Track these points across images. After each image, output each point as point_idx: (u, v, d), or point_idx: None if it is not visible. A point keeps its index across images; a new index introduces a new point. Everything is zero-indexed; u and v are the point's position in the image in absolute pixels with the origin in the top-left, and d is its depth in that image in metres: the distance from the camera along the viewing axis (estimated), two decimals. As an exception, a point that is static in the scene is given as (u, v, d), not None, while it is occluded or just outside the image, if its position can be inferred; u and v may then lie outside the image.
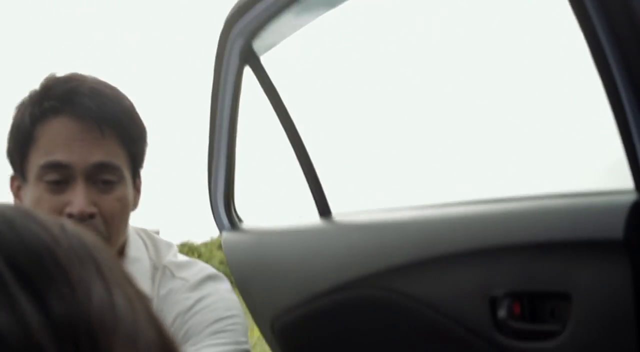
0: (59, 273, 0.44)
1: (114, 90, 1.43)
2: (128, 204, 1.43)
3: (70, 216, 1.34)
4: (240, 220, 2.00)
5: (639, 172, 1.25)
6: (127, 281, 0.51)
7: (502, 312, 1.43)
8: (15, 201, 1.46)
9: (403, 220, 1.66)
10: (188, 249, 15.40)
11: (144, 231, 1.53)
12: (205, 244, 14.31)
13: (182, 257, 1.50)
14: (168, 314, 1.38)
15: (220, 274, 1.47)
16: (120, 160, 1.40)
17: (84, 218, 1.34)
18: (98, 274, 0.47)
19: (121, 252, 1.45)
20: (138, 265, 1.43)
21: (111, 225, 1.38)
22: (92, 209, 1.35)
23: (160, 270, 1.44)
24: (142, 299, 0.51)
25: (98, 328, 0.44)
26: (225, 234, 1.97)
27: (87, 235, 0.50)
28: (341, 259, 1.58)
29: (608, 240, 1.28)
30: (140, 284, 1.43)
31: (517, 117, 1.84)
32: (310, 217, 1.87)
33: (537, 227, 1.40)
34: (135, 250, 1.46)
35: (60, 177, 1.36)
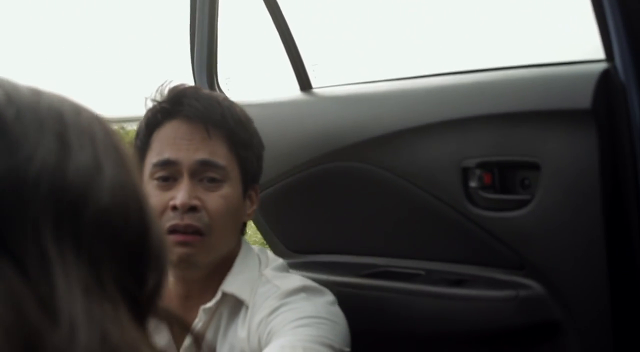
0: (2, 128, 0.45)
1: (224, 98, 1.51)
2: (234, 204, 1.44)
3: (174, 208, 1.38)
4: (222, 93, 2.00)
5: (610, 42, 1.25)
6: (113, 150, 0.51)
7: (473, 183, 1.47)
8: None
9: (380, 92, 1.68)
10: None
11: (263, 250, 1.54)
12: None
13: (286, 273, 1.48)
14: (255, 319, 1.38)
15: (324, 289, 1.42)
16: (226, 160, 1.44)
17: (186, 210, 1.38)
18: (57, 136, 0.47)
19: (231, 262, 1.46)
20: (243, 275, 1.45)
21: (215, 221, 1.40)
22: (195, 202, 1.39)
23: (261, 278, 1.45)
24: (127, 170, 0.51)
25: (30, 186, 0.44)
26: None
27: (66, 102, 0.50)
28: (320, 132, 1.60)
29: (576, 109, 1.30)
30: (244, 293, 1.39)
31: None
32: (291, 91, 1.88)
33: (507, 98, 1.41)
34: (244, 260, 1.47)
35: (168, 174, 1.42)
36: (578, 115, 1.30)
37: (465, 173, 1.47)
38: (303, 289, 1.40)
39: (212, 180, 1.42)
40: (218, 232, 1.41)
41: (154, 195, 1.42)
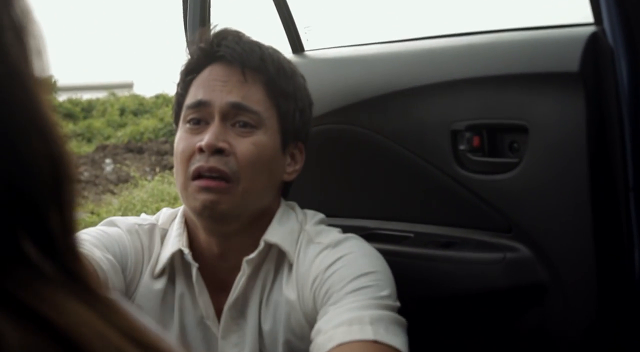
0: None
1: (270, 47, 1.44)
2: (267, 154, 1.37)
3: (200, 150, 1.33)
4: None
5: (598, 6, 1.25)
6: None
7: (462, 146, 1.48)
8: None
9: (371, 55, 1.68)
10: (163, 100, 15.41)
11: (296, 205, 1.48)
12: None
13: (325, 227, 1.45)
14: (308, 279, 1.34)
15: (358, 237, 1.42)
16: (261, 106, 1.37)
17: (212, 152, 1.32)
18: None
19: (270, 218, 1.41)
20: (284, 227, 1.40)
21: (244, 168, 1.33)
22: (223, 144, 1.33)
23: (303, 233, 1.41)
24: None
25: None
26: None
27: None
28: (312, 95, 1.60)
29: (565, 72, 1.30)
30: (286, 243, 1.36)
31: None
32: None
33: (497, 61, 1.42)
34: (283, 214, 1.42)
35: (199, 117, 1.37)
36: (566, 78, 1.30)
37: (455, 136, 1.49)
38: (346, 239, 1.38)
39: (245, 125, 1.35)
40: (246, 181, 1.34)
41: (184, 139, 1.37)
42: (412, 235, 1.61)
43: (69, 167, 0.44)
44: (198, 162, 1.32)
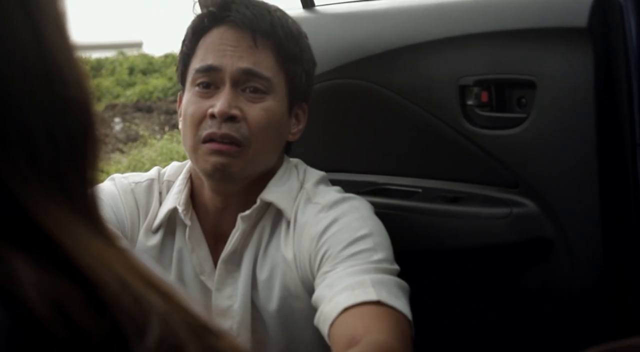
0: None
1: (277, 9, 1.45)
2: (276, 119, 1.39)
3: (212, 116, 1.34)
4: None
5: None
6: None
7: (470, 101, 1.48)
8: (178, 108, 1.48)
9: (380, 10, 1.68)
10: (172, 59, 15.34)
11: (300, 162, 1.49)
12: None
13: (325, 186, 1.45)
14: (305, 240, 1.36)
15: (357, 197, 1.43)
16: (271, 72, 1.39)
17: (224, 119, 1.34)
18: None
19: (272, 176, 1.42)
20: (283, 186, 1.41)
21: (255, 134, 1.35)
22: (235, 111, 1.35)
23: (302, 191, 1.42)
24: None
25: None
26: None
27: None
28: (321, 50, 1.60)
29: (573, 27, 1.30)
30: (283, 202, 1.37)
31: None
32: (294, 9, 1.88)
33: (505, 15, 1.42)
34: (284, 172, 1.44)
35: (210, 81, 1.38)
36: (574, 33, 1.30)
37: (463, 91, 1.49)
38: (343, 199, 1.39)
39: (255, 90, 1.37)
40: (257, 146, 1.37)
41: (193, 102, 1.38)
42: (420, 190, 1.62)
43: (96, 120, 0.46)
44: (210, 128, 1.34)
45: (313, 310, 1.29)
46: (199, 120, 1.36)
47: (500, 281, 1.55)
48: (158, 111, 11.30)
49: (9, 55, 0.41)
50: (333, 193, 1.42)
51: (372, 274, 1.26)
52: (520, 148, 1.43)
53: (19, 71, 0.42)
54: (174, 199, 1.44)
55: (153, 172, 1.52)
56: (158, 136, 9.82)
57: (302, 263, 1.36)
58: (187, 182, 1.45)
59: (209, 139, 1.35)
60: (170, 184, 1.48)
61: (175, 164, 1.52)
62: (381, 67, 1.60)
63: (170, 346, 0.40)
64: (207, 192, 1.43)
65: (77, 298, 0.39)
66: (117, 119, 11.06)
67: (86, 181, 0.45)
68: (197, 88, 1.39)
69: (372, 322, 1.19)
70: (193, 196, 1.45)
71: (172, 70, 14.48)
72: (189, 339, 0.41)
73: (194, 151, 1.37)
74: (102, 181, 1.49)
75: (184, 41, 1.45)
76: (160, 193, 1.49)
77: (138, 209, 1.47)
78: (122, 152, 9.38)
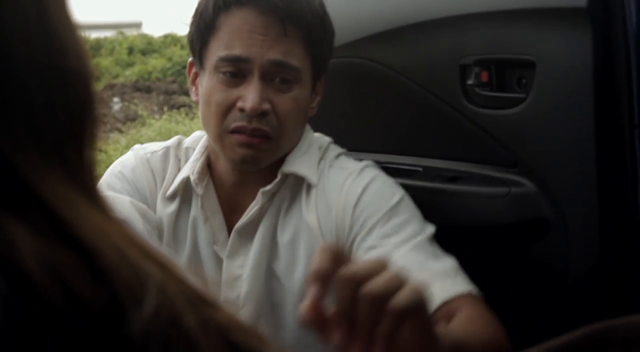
0: None
1: None
2: (304, 105, 1.38)
3: (241, 110, 1.31)
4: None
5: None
6: None
7: (470, 80, 1.49)
8: (190, 87, 1.44)
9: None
10: (171, 39, 15.31)
11: (321, 135, 1.49)
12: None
13: (346, 157, 1.46)
14: (332, 206, 1.35)
15: (373, 163, 1.44)
16: (300, 61, 1.35)
17: (255, 115, 1.30)
18: None
19: (291, 151, 1.40)
20: (304, 156, 1.40)
21: (284, 125, 1.33)
22: (266, 106, 1.31)
23: (324, 161, 1.41)
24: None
25: None
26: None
27: None
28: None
29: (572, 7, 1.31)
30: (304, 169, 1.38)
31: None
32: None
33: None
34: (304, 143, 1.42)
35: (237, 70, 1.32)
36: (574, 13, 1.31)
37: (463, 70, 1.50)
38: (366, 166, 1.40)
39: (284, 81, 1.33)
40: (286, 135, 1.36)
41: (219, 90, 1.34)
42: (420, 169, 1.64)
43: (96, 95, 0.47)
44: (240, 121, 1.31)
45: None
46: (226, 110, 1.33)
47: (497, 260, 1.57)
48: (157, 91, 11.30)
49: (12, 27, 0.42)
50: (355, 161, 1.43)
51: (429, 249, 1.30)
52: (520, 128, 1.44)
53: (21, 43, 0.43)
54: (190, 167, 1.43)
55: (172, 140, 1.51)
56: (157, 116, 9.83)
57: (329, 230, 1.35)
58: (204, 150, 1.44)
59: (237, 131, 1.32)
60: (189, 151, 1.47)
61: (197, 133, 1.50)
62: (382, 46, 1.61)
63: (167, 315, 0.41)
64: (223, 166, 1.42)
65: (75, 267, 0.39)
66: (115, 99, 11.05)
67: (84, 155, 0.46)
68: (221, 75, 1.34)
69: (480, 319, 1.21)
70: (210, 166, 1.44)
71: (172, 51, 14.47)
72: (186, 310, 0.42)
73: (220, 139, 1.35)
74: (103, 161, 1.50)
75: (199, 13, 1.38)
76: (179, 160, 1.47)
77: (155, 177, 1.46)
78: (120, 131, 9.38)
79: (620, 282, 1.41)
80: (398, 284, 0.77)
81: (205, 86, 1.37)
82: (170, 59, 13.53)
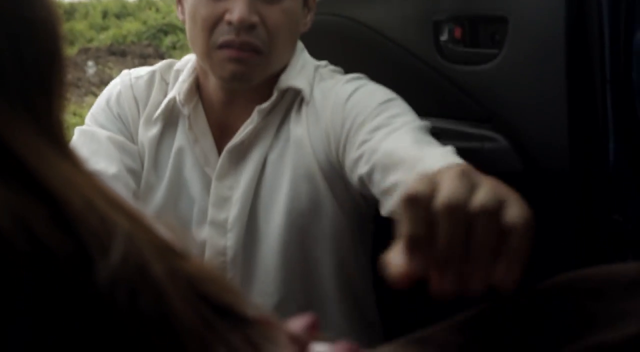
0: None
1: None
2: (295, 19, 1.32)
3: (229, 23, 1.26)
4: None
5: None
6: None
7: (444, 36, 1.49)
8: (177, 8, 1.40)
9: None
10: (146, 3, 15.13)
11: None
12: None
13: (340, 74, 1.42)
14: (322, 113, 1.32)
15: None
16: None
17: (244, 27, 1.25)
18: None
19: (284, 69, 1.37)
20: (298, 71, 1.37)
21: (275, 38, 1.28)
22: (254, 19, 1.26)
23: (316, 73, 1.38)
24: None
25: None
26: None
27: None
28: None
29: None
30: (299, 82, 1.34)
31: None
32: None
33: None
34: (298, 60, 1.38)
35: None
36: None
37: (437, 27, 1.50)
38: (359, 77, 1.37)
39: None
40: (277, 51, 1.31)
41: (204, 4, 1.28)
42: (394, 126, 1.64)
43: (63, 45, 0.47)
44: (227, 35, 1.27)
45: (324, 197, 1.29)
46: (213, 24, 1.28)
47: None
48: (132, 55, 11.18)
49: None
50: (347, 74, 1.40)
51: (425, 137, 1.21)
52: (493, 84, 1.45)
53: None
54: (177, 88, 1.39)
55: (161, 63, 1.48)
56: (132, 80, 9.73)
57: (319, 141, 1.33)
58: (193, 71, 1.40)
59: (225, 46, 1.27)
60: (178, 73, 1.43)
61: (189, 56, 1.46)
62: (356, 3, 1.61)
63: (134, 264, 0.40)
64: (212, 86, 1.38)
65: (41, 215, 0.39)
66: (90, 63, 10.93)
67: (53, 106, 0.46)
68: None
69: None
70: (199, 88, 1.41)
71: (147, 14, 14.30)
72: (154, 259, 0.41)
73: (207, 56, 1.31)
74: (78, 124, 1.48)
75: None
76: (167, 84, 1.44)
77: (137, 103, 1.42)
78: (95, 95, 9.29)
79: (591, 234, 1.43)
80: (504, 196, 0.67)
81: (191, 2, 1.32)
82: (145, 23, 13.37)
